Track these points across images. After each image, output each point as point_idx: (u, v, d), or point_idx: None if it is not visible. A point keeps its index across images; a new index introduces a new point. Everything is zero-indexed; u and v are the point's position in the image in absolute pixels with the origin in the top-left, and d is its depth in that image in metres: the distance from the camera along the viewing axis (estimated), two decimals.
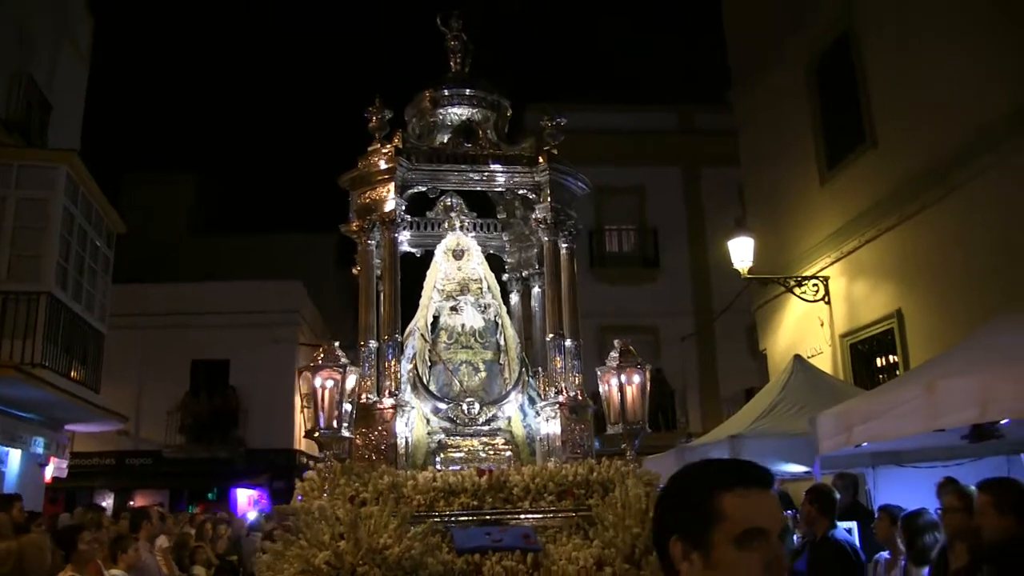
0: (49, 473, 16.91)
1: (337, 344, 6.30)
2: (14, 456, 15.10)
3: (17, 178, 13.74)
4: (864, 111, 13.42)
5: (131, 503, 21.31)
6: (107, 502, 21.81)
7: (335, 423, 5.98)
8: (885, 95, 12.95)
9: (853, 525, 7.62)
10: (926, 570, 5.96)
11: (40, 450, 15.83)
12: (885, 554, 6.88)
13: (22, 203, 13.68)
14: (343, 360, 6.12)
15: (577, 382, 6.78)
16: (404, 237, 7.44)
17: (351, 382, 6.19)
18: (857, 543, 7.01)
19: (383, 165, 6.78)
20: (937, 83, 11.49)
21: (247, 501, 25.04)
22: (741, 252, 14.14)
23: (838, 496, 7.16)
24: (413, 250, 7.76)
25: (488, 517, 5.89)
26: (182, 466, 25.04)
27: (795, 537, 7.86)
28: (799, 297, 14.60)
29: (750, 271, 14.47)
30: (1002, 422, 5.92)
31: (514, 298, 8.06)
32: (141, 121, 46.81)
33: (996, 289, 9.94)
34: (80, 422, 17.32)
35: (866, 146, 13.41)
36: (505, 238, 8.07)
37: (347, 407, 6.14)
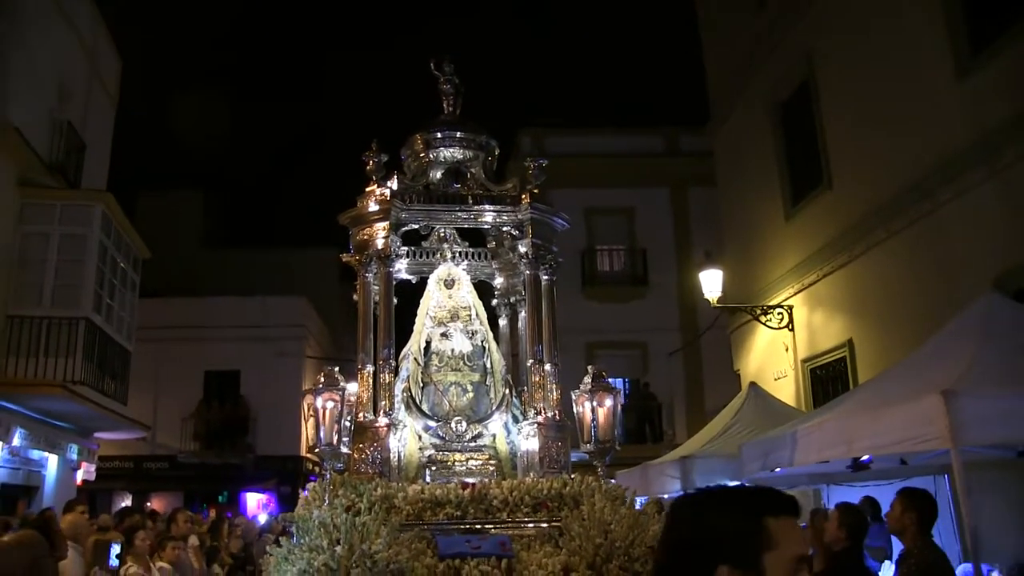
0: (80, 476, 18.35)
1: (337, 369, 6.95)
2: (52, 462, 16.66)
3: (60, 216, 15.13)
4: (821, 154, 14.41)
5: (148, 504, 22.59)
6: (125, 503, 23.07)
7: (334, 439, 6.51)
8: (839, 141, 14.00)
9: None
10: None
11: (74, 456, 17.36)
12: None
13: (64, 238, 15.08)
14: (342, 383, 6.69)
15: (555, 402, 7.27)
16: (402, 265, 8.02)
17: (349, 402, 6.76)
18: None
19: (378, 207, 7.30)
20: (882, 136, 12.54)
21: (256, 504, 26.22)
22: (711, 283, 15.45)
23: None
24: (410, 277, 8.31)
25: (469, 527, 6.29)
26: (196, 470, 26.27)
27: None
28: (765, 325, 15.91)
29: (721, 299, 15.75)
30: (864, 458, 7.29)
31: (502, 322, 8.60)
32: (153, 140, 48.07)
33: (932, 324, 11.11)
34: (108, 431, 18.71)
35: (823, 187, 14.46)
36: (494, 266, 8.52)
37: (346, 424, 6.68)
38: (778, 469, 8.11)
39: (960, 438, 5.55)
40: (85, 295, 15.04)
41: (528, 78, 58.03)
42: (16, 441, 14.57)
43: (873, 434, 6.29)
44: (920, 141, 11.65)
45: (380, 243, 7.31)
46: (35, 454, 15.92)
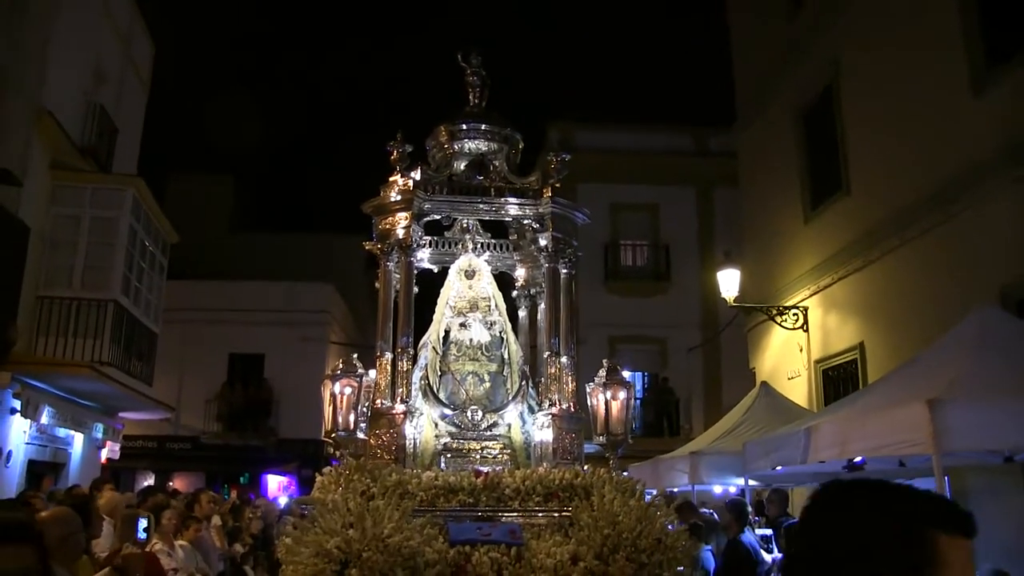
0: (104, 455, 18.80)
1: (356, 356, 6.90)
2: (78, 440, 17.13)
3: (91, 199, 15.53)
4: (841, 161, 14.61)
5: (170, 484, 22.98)
6: (148, 482, 23.43)
7: (351, 425, 6.53)
8: (859, 148, 14.18)
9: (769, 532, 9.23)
10: None
11: (99, 435, 17.84)
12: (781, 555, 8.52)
13: (94, 221, 15.47)
14: (360, 370, 6.69)
15: (570, 394, 7.24)
16: (424, 255, 8.06)
17: (367, 389, 6.78)
18: (756, 545, 8.68)
19: (401, 196, 7.32)
20: (900, 146, 12.75)
21: (277, 487, 26.64)
22: (728, 283, 15.68)
23: (766, 506, 8.80)
24: (432, 266, 8.28)
25: (481, 514, 6.29)
26: (218, 451, 26.75)
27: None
28: (780, 325, 16.11)
29: (738, 298, 15.99)
30: (857, 460, 7.54)
31: (522, 313, 8.49)
32: (184, 124, 48.54)
33: (940, 331, 11.28)
34: (133, 411, 19.20)
35: (842, 192, 14.64)
36: (516, 258, 8.50)
37: (363, 411, 6.69)
38: (779, 468, 8.35)
39: (942, 444, 5.80)
40: (114, 278, 15.45)
41: (560, 73, 58.20)
42: (44, 419, 15.02)
43: (864, 437, 6.57)
44: (936, 153, 11.83)
45: (402, 232, 7.34)
46: (61, 432, 16.35)
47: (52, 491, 12.33)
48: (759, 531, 9.02)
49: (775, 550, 9.00)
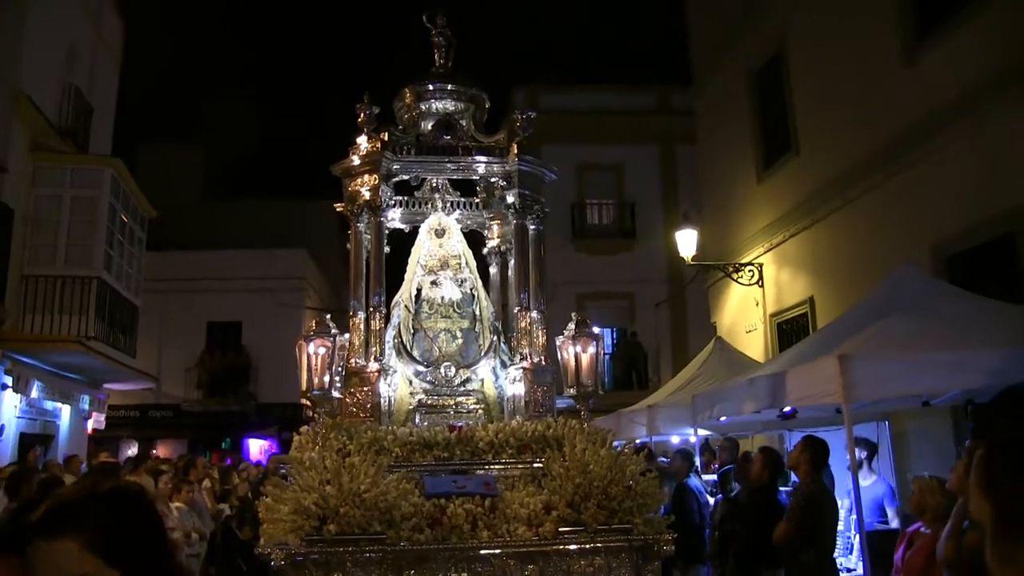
0: (90, 425, 19.48)
1: (329, 316, 6.91)
2: (65, 411, 17.86)
3: (71, 179, 16.09)
4: (790, 123, 15.23)
5: (153, 451, 23.58)
6: (132, 450, 23.82)
7: (326, 385, 6.56)
8: (806, 111, 14.78)
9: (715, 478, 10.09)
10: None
11: (85, 406, 18.55)
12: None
13: (75, 200, 16.04)
14: (333, 330, 6.69)
15: (541, 347, 7.35)
16: (395, 215, 8.09)
17: (341, 349, 6.79)
18: (701, 488, 9.59)
19: (369, 158, 7.35)
20: (841, 110, 13.39)
21: (258, 450, 27.34)
22: (686, 243, 16.38)
23: (718, 453, 9.64)
24: (403, 226, 8.30)
25: (456, 468, 6.40)
26: (199, 418, 27.29)
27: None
28: (736, 281, 16.87)
29: (697, 256, 16.71)
30: (787, 409, 8.34)
31: (493, 270, 8.56)
32: (153, 93, 48.47)
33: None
34: (117, 382, 19.88)
35: (792, 153, 15.28)
36: (486, 216, 8.50)
37: (338, 371, 6.73)
38: (723, 418, 9.15)
39: (851, 395, 6.60)
40: (96, 255, 16.07)
41: (524, 36, 58.45)
42: (34, 393, 15.72)
43: (792, 391, 7.33)
44: (874, 117, 12.44)
45: (370, 194, 7.40)
46: (49, 405, 17.09)
47: (46, 463, 13.01)
48: (706, 476, 9.86)
49: (718, 493, 9.84)
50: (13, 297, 14.87)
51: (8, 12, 14.69)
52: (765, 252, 16.36)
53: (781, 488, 8.23)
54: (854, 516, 7.63)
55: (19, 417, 15.70)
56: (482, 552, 5.73)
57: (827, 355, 6.93)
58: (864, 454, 9.22)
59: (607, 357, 26.92)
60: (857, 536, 8.13)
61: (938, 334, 6.96)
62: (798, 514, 6.79)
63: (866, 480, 8.93)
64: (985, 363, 6.56)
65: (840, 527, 8.16)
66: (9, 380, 14.70)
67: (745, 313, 17.14)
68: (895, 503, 9.14)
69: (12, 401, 15.24)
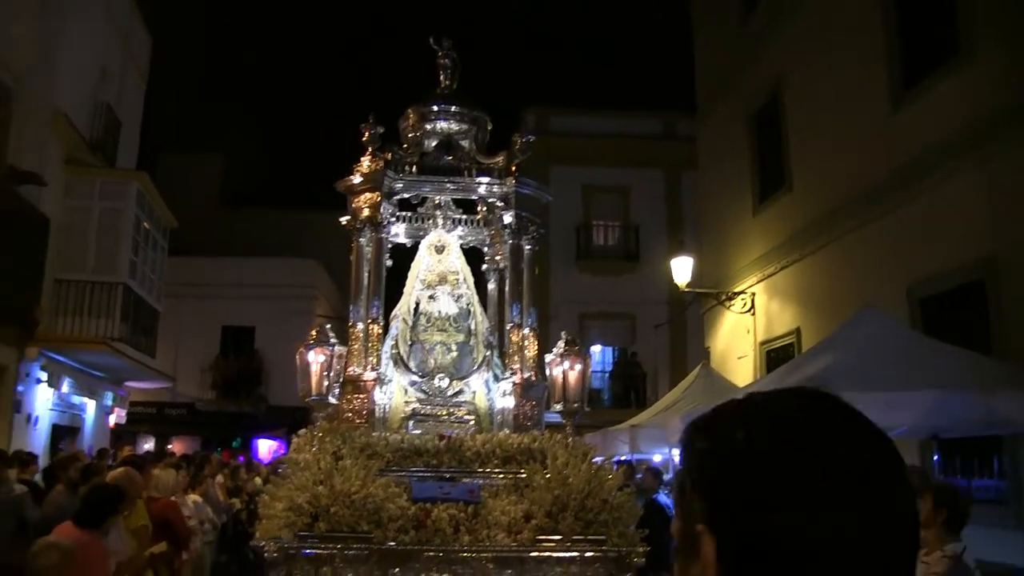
0: (112, 420, 20.57)
1: (328, 326, 7.48)
2: (91, 406, 19.08)
3: (100, 191, 17.16)
4: (784, 161, 15.88)
5: (169, 447, 24.37)
6: (149, 445, 24.86)
7: (324, 391, 6.87)
8: (800, 151, 15.44)
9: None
10: None
11: (108, 403, 19.69)
12: None
13: (104, 211, 17.11)
14: (332, 340, 7.04)
15: (531, 363, 7.53)
16: (399, 230, 8.35)
17: (339, 358, 7.11)
18: (669, 503, 10.40)
19: (371, 176, 7.57)
20: (830, 153, 14.09)
21: (267, 450, 28.03)
22: (681, 270, 17.15)
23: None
24: (406, 241, 8.53)
25: (444, 475, 6.62)
26: (212, 417, 28.23)
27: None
28: (728, 309, 17.62)
29: (692, 283, 17.43)
30: None
31: (491, 286, 8.73)
32: (175, 104, 49.30)
33: None
34: (137, 380, 20.94)
35: (785, 189, 15.94)
36: (486, 234, 8.64)
37: (335, 378, 7.04)
38: None
39: None
40: (122, 262, 17.11)
41: (538, 60, 59.40)
42: (64, 388, 16.87)
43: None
44: (861, 160, 13.10)
45: (371, 210, 7.61)
46: (77, 400, 18.29)
47: (78, 451, 14.03)
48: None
49: None
50: (48, 300, 15.92)
51: (48, 36, 15.65)
52: (758, 282, 16.97)
53: None
54: None
55: (51, 409, 16.88)
56: (463, 555, 6.00)
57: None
58: None
59: (607, 375, 27.74)
60: None
61: (878, 374, 7.53)
62: None
63: None
64: (918, 401, 7.22)
65: None
66: (44, 376, 15.80)
67: (737, 340, 17.76)
68: None
69: (46, 395, 16.38)
